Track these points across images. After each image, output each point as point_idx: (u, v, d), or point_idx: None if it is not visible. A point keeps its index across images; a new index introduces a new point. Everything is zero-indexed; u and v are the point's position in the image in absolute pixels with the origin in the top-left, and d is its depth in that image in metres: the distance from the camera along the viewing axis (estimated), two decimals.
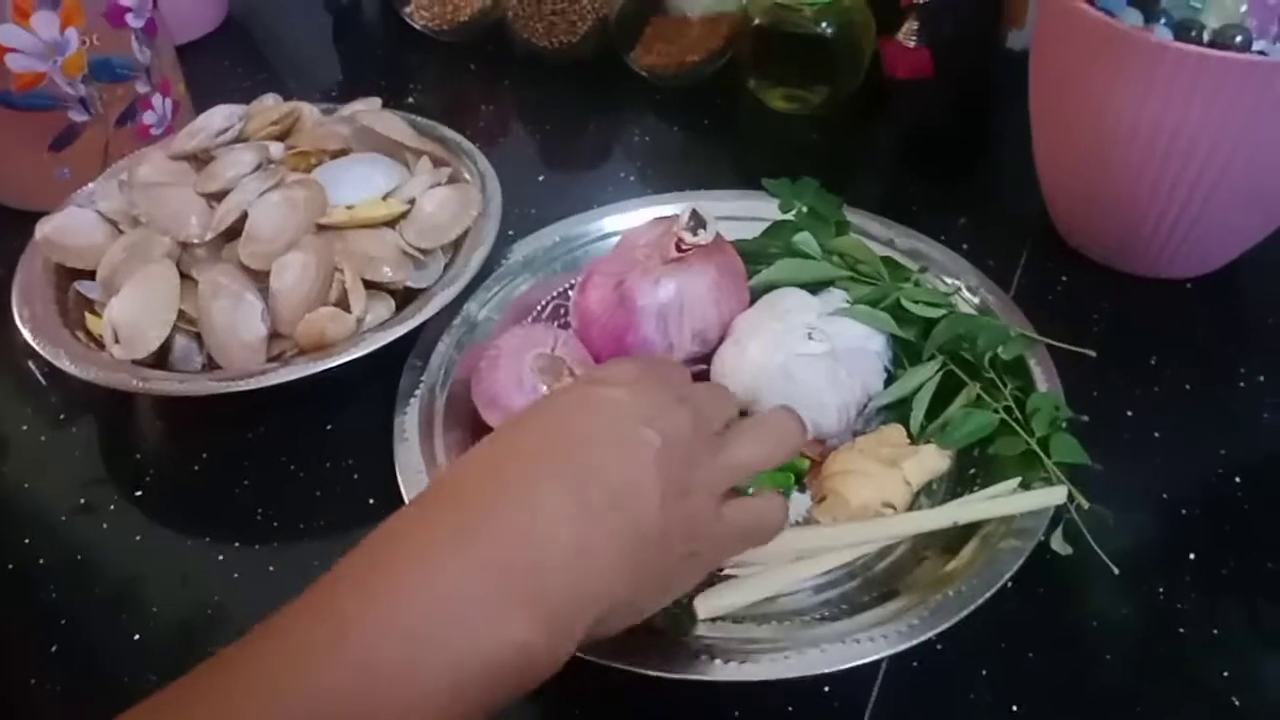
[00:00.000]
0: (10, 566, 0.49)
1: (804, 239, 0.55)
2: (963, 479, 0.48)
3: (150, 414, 0.56)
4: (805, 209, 0.57)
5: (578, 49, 0.80)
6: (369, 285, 0.54)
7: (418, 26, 0.85)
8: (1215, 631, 0.44)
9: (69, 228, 0.57)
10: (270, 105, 0.63)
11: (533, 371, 0.49)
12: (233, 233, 0.54)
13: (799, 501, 0.48)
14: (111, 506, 0.51)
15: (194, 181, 0.57)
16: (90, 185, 0.61)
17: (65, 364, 0.51)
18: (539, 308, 0.58)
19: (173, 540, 0.50)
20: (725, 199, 0.61)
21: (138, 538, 0.50)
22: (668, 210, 0.57)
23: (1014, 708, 0.41)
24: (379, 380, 0.53)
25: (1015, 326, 0.52)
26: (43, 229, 0.56)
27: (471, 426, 0.51)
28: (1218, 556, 0.47)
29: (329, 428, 0.54)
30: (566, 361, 0.50)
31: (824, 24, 0.70)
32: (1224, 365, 0.56)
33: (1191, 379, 0.55)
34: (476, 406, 0.50)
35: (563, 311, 0.58)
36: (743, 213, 0.59)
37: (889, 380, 0.52)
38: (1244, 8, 0.53)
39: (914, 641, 0.40)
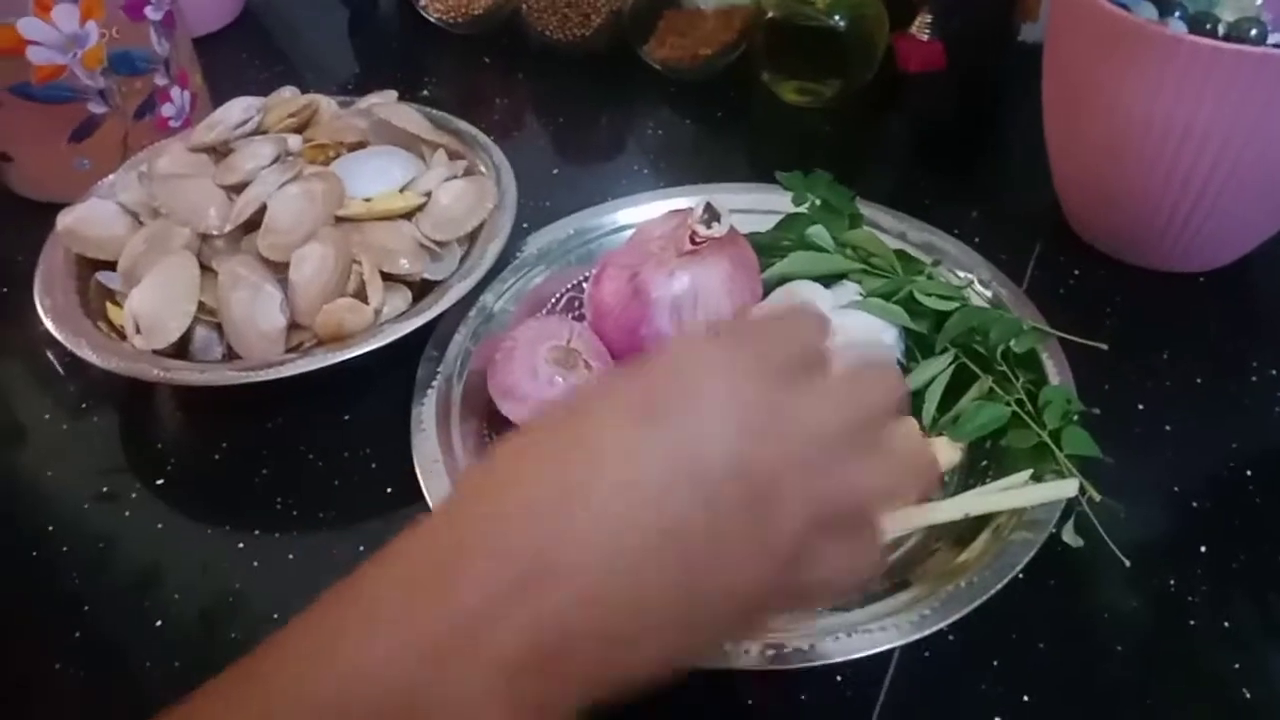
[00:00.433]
0: (34, 554, 0.49)
1: (817, 232, 0.55)
2: (975, 471, 0.48)
3: (171, 404, 0.57)
4: (818, 202, 0.57)
5: (591, 42, 0.81)
6: (386, 277, 0.54)
7: (433, 19, 0.86)
8: (1226, 624, 0.44)
9: (90, 219, 0.57)
10: (288, 98, 0.63)
11: (547, 363, 0.50)
12: (252, 224, 0.54)
13: None
14: (133, 495, 0.52)
15: (213, 173, 0.57)
16: (110, 177, 0.62)
17: (87, 354, 0.51)
18: (554, 299, 0.59)
19: (193, 529, 0.50)
20: (738, 192, 0.61)
21: (159, 526, 0.50)
22: (681, 203, 0.57)
23: (1025, 698, 0.42)
24: (396, 371, 0.53)
25: (1027, 320, 0.52)
26: (64, 220, 0.57)
27: (487, 416, 0.52)
28: (1229, 549, 0.47)
29: (347, 418, 0.55)
30: (581, 353, 0.51)
31: (837, 17, 0.70)
32: (1236, 359, 0.56)
33: (1203, 372, 0.55)
34: (492, 397, 0.51)
35: (577, 303, 0.58)
36: (756, 206, 0.59)
37: (901, 373, 0.52)
38: (1259, 1, 0.53)
39: (926, 632, 0.40)
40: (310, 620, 0.29)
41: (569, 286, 0.59)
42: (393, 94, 0.65)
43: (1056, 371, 0.50)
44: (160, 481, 0.52)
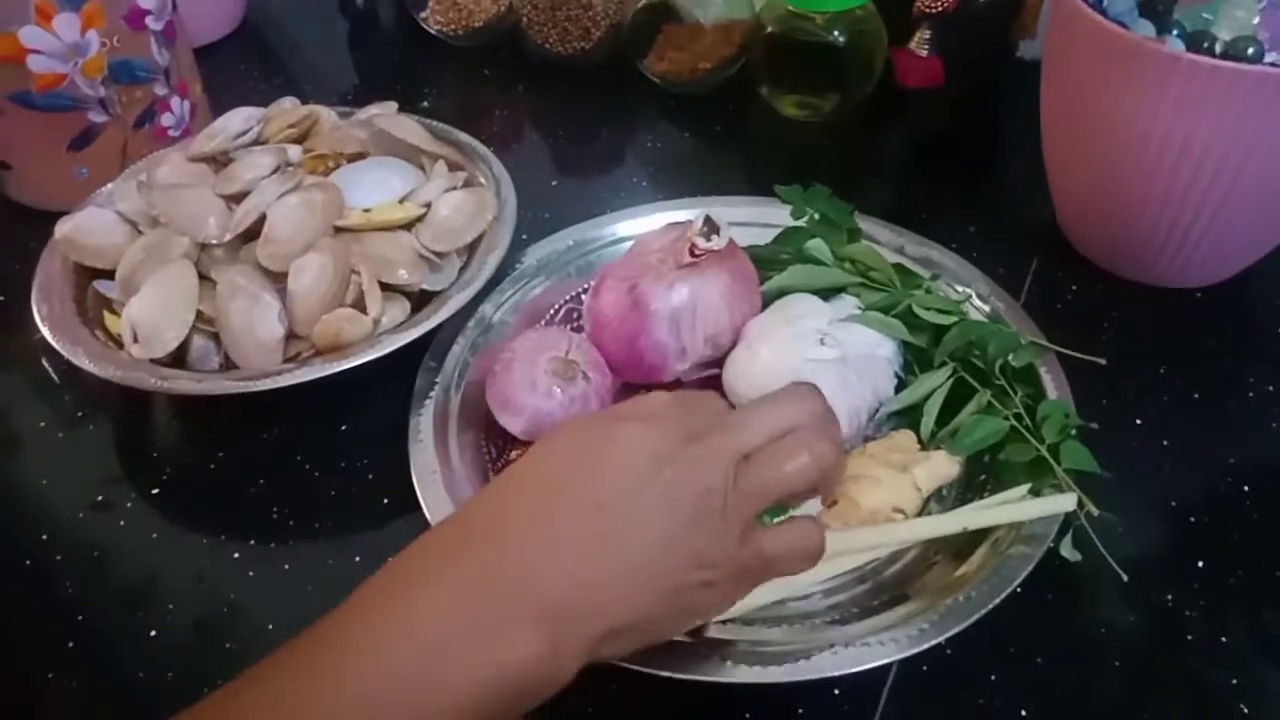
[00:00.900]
0: (28, 563, 0.49)
1: (816, 245, 0.55)
2: (973, 485, 0.48)
3: (167, 413, 0.57)
4: (817, 216, 0.57)
5: (591, 55, 0.81)
6: (385, 287, 0.54)
7: (433, 31, 0.86)
8: (1223, 639, 0.44)
9: (88, 227, 0.57)
10: (288, 108, 0.63)
11: (546, 374, 0.50)
12: (251, 234, 0.55)
13: (809, 506, 0.49)
14: (128, 504, 0.52)
15: (212, 183, 0.57)
16: (109, 185, 0.62)
17: (84, 362, 0.51)
18: (553, 311, 0.59)
19: (189, 538, 0.50)
20: (737, 205, 0.61)
21: (154, 535, 0.50)
22: (680, 216, 0.57)
23: (1022, 713, 0.42)
24: (394, 381, 0.53)
25: (1026, 334, 0.52)
26: (62, 228, 0.57)
27: (486, 428, 0.52)
28: (1226, 565, 0.47)
29: (344, 428, 0.55)
30: (580, 364, 0.51)
31: (836, 32, 0.71)
32: (1233, 375, 0.56)
33: (1201, 388, 0.55)
34: (491, 408, 0.51)
35: (576, 315, 0.58)
36: (755, 219, 0.59)
37: (900, 386, 0.52)
38: (1256, 20, 0.53)
39: (924, 646, 0.40)
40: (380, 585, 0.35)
41: (568, 298, 0.59)
42: (393, 105, 0.66)
43: (1054, 386, 0.50)
44: (156, 491, 0.52)
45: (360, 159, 0.60)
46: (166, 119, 0.70)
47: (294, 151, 0.59)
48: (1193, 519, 0.49)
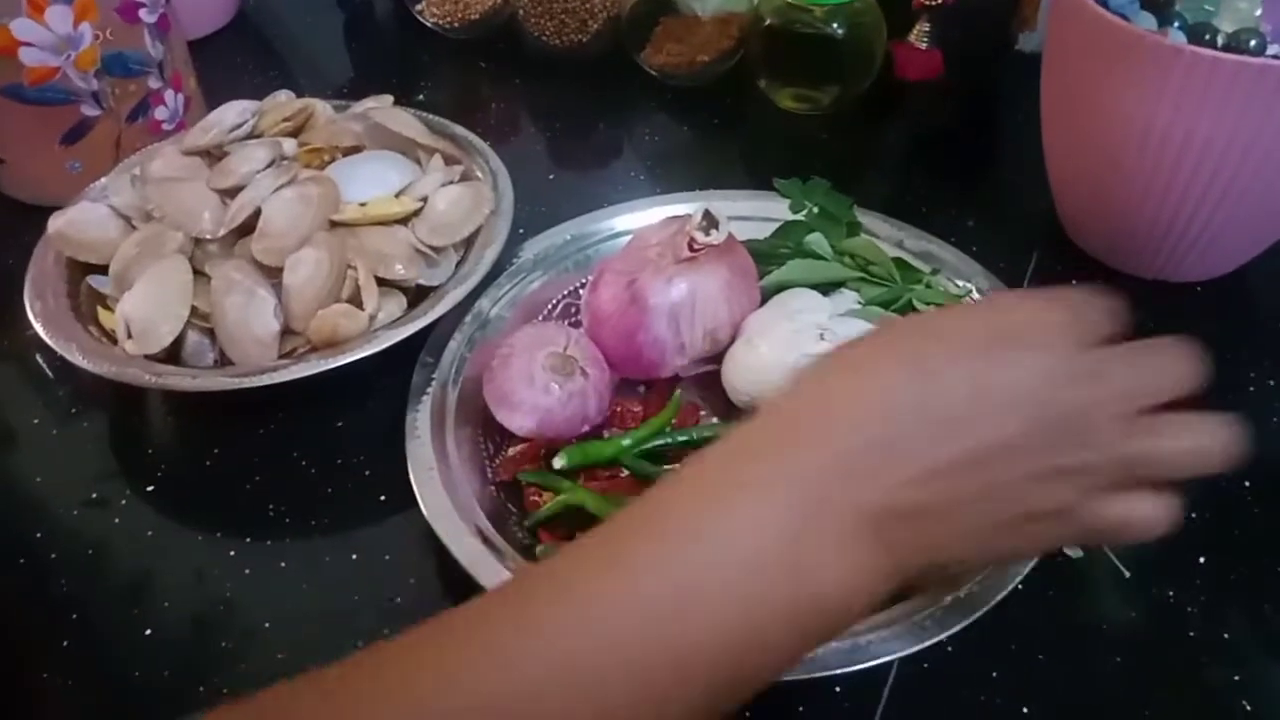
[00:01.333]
0: (22, 561, 0.49)
1: (815, 240, 0.55)
2: None
3: (162, 409, 0.57)
4: (816, 210, 0.57)
5: (588, 48, 0.81)
6: (381, 282, 0.54)
7: (429, 24, 0.85)
8: (1225, 635, 0.44)
9: (82, 222, 0.57)
10: (283, 102, 0.63)
11: (544, 369, 0.49)
12: (246, 229, 0.54)
13: None
14: (123, 501, 0.51)
15: (207, 177, 0.57)
16: (102, 180, 0.61)
17: (77, 358, 0.51)
18: (550, 306, 0.59)
19: (184, 535, 0.50)
20: (736, 199, 0.61)
21: (149, 533, 0.50)
22: (678, 210, 0.57)
23: (1024, 709, 0.42)
24: (391, 377, 0.53)
25: None
26: (55, 223, 0.57)
27: (483, 424, 0.52)
28: (1228, 560, 0.47)
29: (340, 424, 0.54)
30: (578, 360, 0.50)
31: (835, 24, 0.70)
32: (1234, 369, 0.56)
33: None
34: (488, 403, 0.50)
35: (574, 310, 0.58)
36: (754, 213, 0.59)
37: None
38: (1258, 12, 0.53)
39: (925, 643, 0.40)
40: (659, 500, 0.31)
41: (566, 292, 0.59)
42: (388, 98, 0.65)
43: None
44: (151, 488, 0.52)
45: (356, 153, 0.60)
46: (160, 112, 0.69)
47: (289, 145, 0.59)
48: (1194, 515, 0.49)
